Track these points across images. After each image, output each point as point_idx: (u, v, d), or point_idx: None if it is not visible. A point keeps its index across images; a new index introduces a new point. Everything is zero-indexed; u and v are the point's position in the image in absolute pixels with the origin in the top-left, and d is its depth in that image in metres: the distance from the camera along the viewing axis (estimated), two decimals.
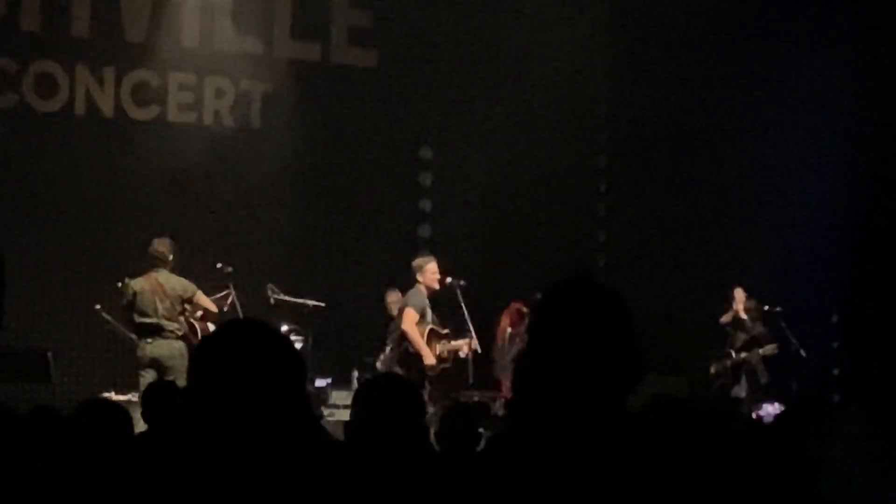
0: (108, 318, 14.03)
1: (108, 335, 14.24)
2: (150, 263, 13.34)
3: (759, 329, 14.96)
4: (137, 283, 13.20)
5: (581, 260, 17.49)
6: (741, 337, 15.05)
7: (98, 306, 14.04)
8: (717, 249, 16.89)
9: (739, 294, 15.16)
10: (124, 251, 15.35)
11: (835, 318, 16.94)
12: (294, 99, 16.61)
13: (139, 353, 13.03)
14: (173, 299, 13.15)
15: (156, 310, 13.09)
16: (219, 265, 14.37)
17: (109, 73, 16.10)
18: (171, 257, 13.34)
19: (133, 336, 13.51)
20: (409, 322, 13.52)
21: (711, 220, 17.12)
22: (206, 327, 13.12)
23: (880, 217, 16.36)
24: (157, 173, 15.62)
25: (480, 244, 16.20)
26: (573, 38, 16.56)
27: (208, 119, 16.62)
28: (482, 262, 15.86)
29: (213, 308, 13.54)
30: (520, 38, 16.72)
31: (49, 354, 14.02)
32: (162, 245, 13.38)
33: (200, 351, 3.04)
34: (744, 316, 15.07)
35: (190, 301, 13.27)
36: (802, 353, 14.70)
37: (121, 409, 5.87)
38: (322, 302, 15.20)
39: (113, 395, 13.13)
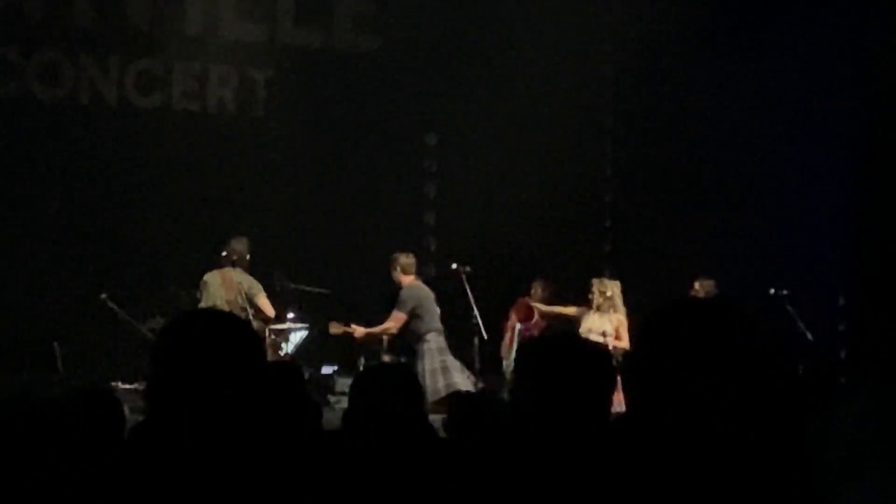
0: (114, 306, 14.05)
1: (115, 325, 14.24)
2: (226, 260, 13.74)
3: None
4: (210, 276, 13.61)
5: (587, 246, 17.48)
6: None
7: (104, 295, 14.04)
8: (723, 232, 16.84)
9: (698, 286, 14.89)
10: (130, 239, 15.39)
11: (841, 301, 16.89)
12: (298, 86, 16.61)
13: None
14: (237, 291, 13.45)
15: (221, 298, 13.37)
16: (224, 253, 14.36)
17: (113, 62, 16.11)
18: (247, 256, 13.80)
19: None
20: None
21: (717, 203, 17.07)
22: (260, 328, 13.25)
23: (887, 199, 16.30)
24: (162, 161, 15.62)
25: (486, 230, 16.16)
26: (579, 23, 16.52)
27: (213, 107, 16.63)
28: (487, 248, 15.83)
29: (271, 313, 13.66)
30: (525, 21, 16.66)
31: (55, 345, 14.02)
32: (240, 244, 13.80)
33: (158, 343, 3.02)
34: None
35: (252, 299, 13.52)
36: (809, 336, 14.64)
37: (111, 398, 5.84)
38: (327, 289, 15.19)
39: (119, 385, 13.14)
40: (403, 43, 17.02)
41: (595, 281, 14.16)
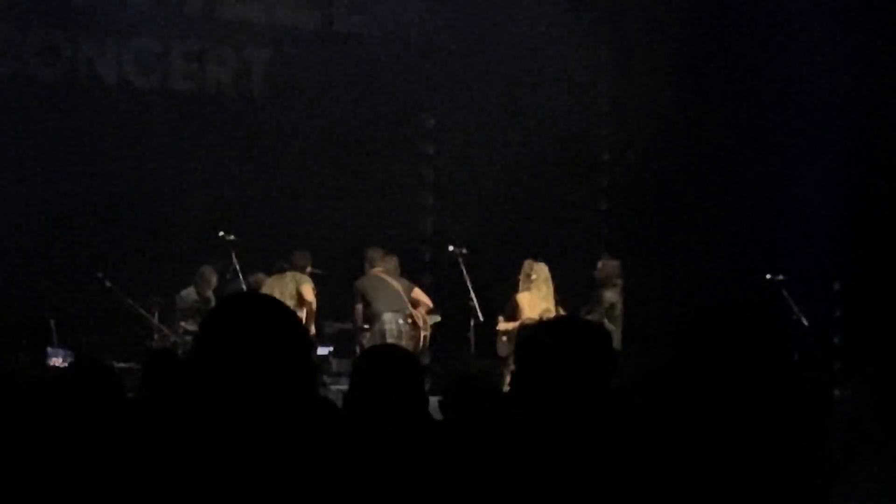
0: (110, 284, 14.06)
1: (110, 303, 14.25)
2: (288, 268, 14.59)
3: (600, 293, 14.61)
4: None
5: (583, 229, 17.48)
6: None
7: (100, 274, 14.05)
8: (719, 217, 16.83)
9: (600, 265, 14.86)
10: (126, 218, 15.37)
11: (836, 287, 16.89)
12: (296, 67, 16.57)
13: None
14: (284, 283, 14.25)
15: (270, 288, 14.09)
16: (220, 233, 14.38)
17: (112, 41, 16.07)
18: (308, 269, 14.67)
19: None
20: None
21: (713, 188, 17.06)
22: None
23: (883, 184, 16.30)
24: (159, 141, 15.60)
25: (483, 212, 16.17)
26: (577, 9, 16.50)
27: (211, 87, 16.58)
28: (484, 230, 15.82)
29: (308, 298, 14.26)
30: (523, 5, 16.63)
31: (51, 322, 14.00)
32: (302, 259, 14.69)
33: (205, 325, 3.05)
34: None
35: (297, 288, 14.21)
36: (804, 321, 14.64)
37: (111, 373, 5.83)
38: (324, 270, 15.19)
39: (114, 364, 13.12)
40: (402, 25, 16.97)
41: (525, 263, 14.31)
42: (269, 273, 14.68)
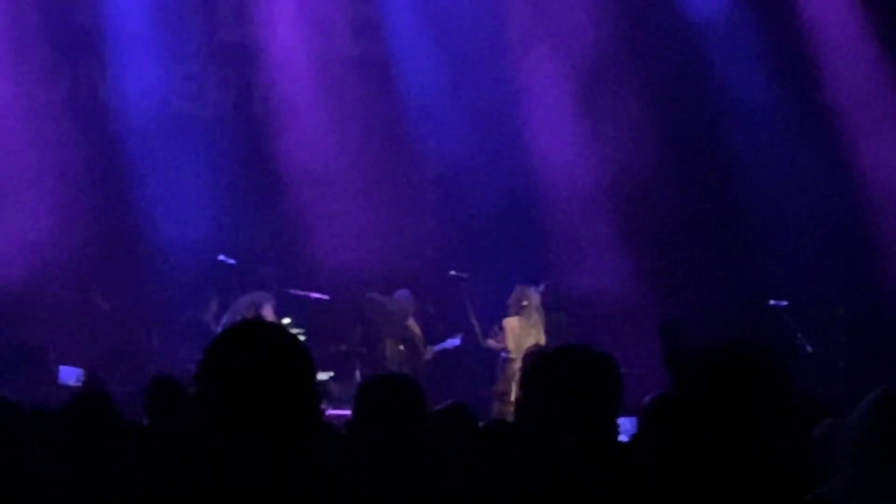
0: (107, 307, 14.05)
1: (109, 326, 14.20)
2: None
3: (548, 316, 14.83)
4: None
5: (585, 253, 17.43)
6: None
7: (98, 296, 14.03)
8: (721, 243, 16.82)
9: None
10: (126, 241, 15.35)
11: (840, 312, 16.85)
12: (296, 90, 16.56)
13: None
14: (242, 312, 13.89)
15: (240, 313, 13.77)
16: (221, 257, 14.35)
17: (112, 63, 16.08)
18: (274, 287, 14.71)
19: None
20: None
21: (715, 213, 17.04)
22: None
23: (886, 209, 16.29)
24: (159, 164, 15.59)
25: (485, 237, 16.13)
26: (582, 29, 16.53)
27: (211, 109, 16.58)
28: (487, 255, 15.78)
29: (268, 317, 13.82)
30: (522, 20, 16.65)
31: (49, 347, 13.97)
32: (266, 276, 14.91)
33: (210, 352, 3.06)
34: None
35: (258, 308, 13.83)
36: (808, 347, 14.62)
37: (108, 399, 5.82)
38: (325, 295, 15.16)
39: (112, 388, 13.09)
40: (403, 50, 16.98)
41: (517, 288, 14.41)
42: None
